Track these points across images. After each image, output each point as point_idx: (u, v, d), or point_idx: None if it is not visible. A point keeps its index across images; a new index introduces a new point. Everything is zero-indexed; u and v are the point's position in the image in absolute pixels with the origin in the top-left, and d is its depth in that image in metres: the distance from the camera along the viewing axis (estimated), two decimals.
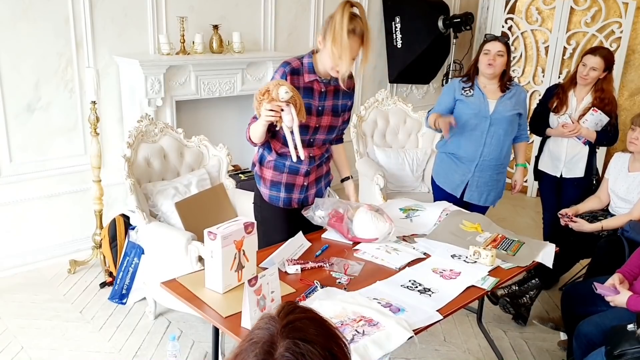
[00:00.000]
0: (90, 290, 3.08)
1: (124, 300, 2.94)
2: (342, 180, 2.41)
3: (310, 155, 2.17)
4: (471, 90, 2.85)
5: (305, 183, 2.21)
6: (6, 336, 2.62)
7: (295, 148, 2.00)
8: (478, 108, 2.81)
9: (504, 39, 2.86)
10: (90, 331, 2.70)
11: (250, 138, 2.09)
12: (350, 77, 2.18)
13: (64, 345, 2.57)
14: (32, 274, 3.21)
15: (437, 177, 3.03)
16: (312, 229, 2.22)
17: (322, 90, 2.10)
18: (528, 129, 3.12)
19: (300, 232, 2.16)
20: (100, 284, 3.11)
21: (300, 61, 2.07)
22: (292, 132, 1.98)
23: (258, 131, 2.02)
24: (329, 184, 2.37)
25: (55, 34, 3.15)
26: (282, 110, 1.91)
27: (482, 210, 2.88)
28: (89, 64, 3.28)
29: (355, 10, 1.97)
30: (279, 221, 2.24)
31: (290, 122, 1.94)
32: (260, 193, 2.23)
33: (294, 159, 2.03)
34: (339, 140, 2.38)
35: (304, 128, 2.06)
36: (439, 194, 2.98)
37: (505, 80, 2.85)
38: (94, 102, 3.10)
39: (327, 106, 2.13)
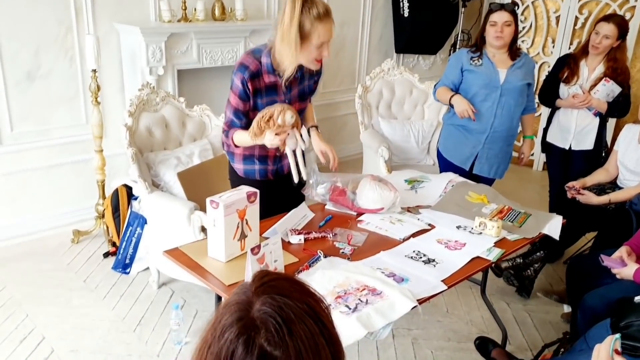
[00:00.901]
0: (94, 259, 3.09)
1: (127, 270, 2.95)
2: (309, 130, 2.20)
3: None
4: (480, 60, 2.77)
5: (277, 154, 2.15)
6: (11, 304, 2.63)
7: (298, 171, 1.99)
8: (488, 78, 2.73)
9: (511, 6, 2.76)
10: (94, 300, 2.72)
11: (232, 145, 2.04)
12: None
13: (68, 314, 2.59)
14: (36, 243, 3.21)
15: (444, 151, 2.96)
16: (291, 201, 2.16)
17: (286, 84, 2.00)
18: (536, 100, 3.04)
19: (304, 202, 2.14)
20: (104, 254, 3.11)
21: (259, 61, 1.94)
22: (294, 155, 1.98)
23: (247, 144, 2.00)
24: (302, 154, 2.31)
25: (55, 0, 3.07)
26: (287, 134, 1.91)
27: (488, 182, 2.84)
28: (89, 31, 3.21)
29: None
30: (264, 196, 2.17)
31: (294, 145, 1.96)
32: (234, 170, 2.18)
33: (295, 180, 2.00)
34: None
35: None
36: (446, 167, 2.92)
37: (514, 49, 2.77)
38: (94, 71, 3.04)
39: (293, 96, 2.05)
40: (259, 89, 1.96)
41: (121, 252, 2.95)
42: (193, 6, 3.45)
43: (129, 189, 3.13)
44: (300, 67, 1.98)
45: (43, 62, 3.14)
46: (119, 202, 3.12)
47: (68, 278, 2.89)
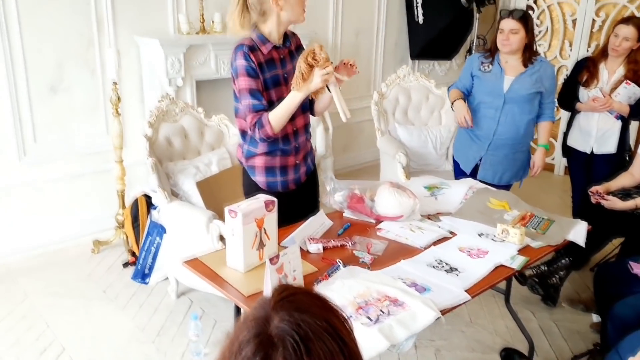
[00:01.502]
0: (114, 269, 3.11)
1: (147, 280, 2.96)
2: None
3: (294, 129, 2.10)
4: (490, 66, 2.78)
5: (297, 161, 2.15)
6: (32, 315, 2.66)
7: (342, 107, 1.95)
8: (493, 86, 2.74)
9: (519, 13, 2.71)
10: (113, 310, 2.73)
11: (271, 130, 1.96)
12: (293, 33, 2.12)
13: (88, 324, 2.61)
14: (57, 253, 3.25)
15: (455, 151, 3.05)
16: (307, 208, 2.15)
17: (281, 57, 2.03)
18: (556, 106, 3.00)
19: (322, 210, 2.12)
20: (123, 264, 3.13)
21: (250, 38, 1.97)
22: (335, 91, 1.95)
23: (292, 108, 1.95)
24: (314, 159, 2.31)
25: (77, 14, 3.14)
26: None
27: (503, 189, 2.80)
28: (110, 44, 3.26)
29: None
30: (283, 208, 2.13)
31: (333, 80, 1.92)
32: (255, 183, 2.13)
33: (343, 118, 1.96)
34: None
35: (280, 100, 1.98)
36: (457, 169, 3.00)
37: (528, 55, 2.72)
38: (115, 83, 3.09)
39: (289, 71, 2.04)
40: (260, 62, 1.95)
41: (140, 261, 2.97)
42: (210, 18, 3.49)
43: (148, 198, 3.15)
44: (288, 39, 2.03)
45: (65, 75, 3.20)
46: (139, 212, 3.14)
47: (88, 288, 2.91)
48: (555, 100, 2.90)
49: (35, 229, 3.27)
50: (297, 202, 2.13)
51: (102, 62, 3.27)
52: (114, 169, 3.28)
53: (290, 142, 2.10)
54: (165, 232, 2.85)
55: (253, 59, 1.93)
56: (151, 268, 2.96)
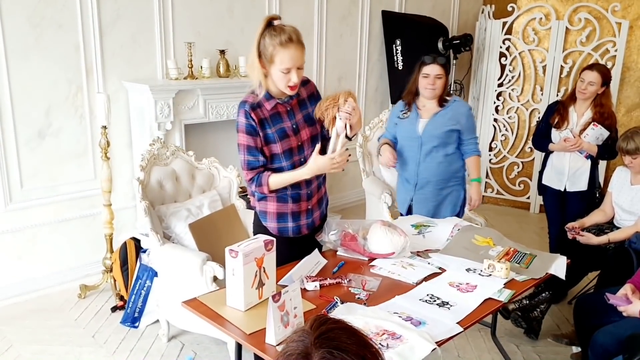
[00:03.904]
0: (102, 314, 3.08)
1: (137, 324, 2.94)
2: None
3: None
4: (408, 113, 2.91)
5: (309, 206, 2.17)
6: None
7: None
8: (409, 130, 2.89)
9: (442, 60, 2.86)
10: (103, 356, 2.70)
11: (268, 191, 2.04)
12: (307, 81, 2.14)
13: None
14: (42, 299, 3.21)
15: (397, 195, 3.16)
16: (304, 248, 2.17)
17: (288, 109, 2.05)
18: (530, 144, 3.17)
19: (317, 249, 2.19)
20: (112, 308, 3.11)
21: (256, 94, 2.00)
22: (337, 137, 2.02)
23: (297, 180, 2.04)
24: (327, 203, 2.34)
25: (66, 61, 3.22)
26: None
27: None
28: (99, 90, 3.34)
29: (277, 22, 1.93)
30: (289, 251, 2.14)
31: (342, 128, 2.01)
32: (265, 227, 2.15)
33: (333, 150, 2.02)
34: None
35: (288, 152, 2.04)
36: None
37: (443, 97, 2.87)
38: (104, 127, 3.15)
39: (299, 121, 2.08)
40: (263, 118, 1.99)
41: (130, 305, 2.96)
42: (199, 64, 3.62)
43: (137, 242, 3.17)
44: (298, 91, 2.03)
45: (54, 120, 3.24)
46: (127, 255, 3.15)
47: (76, 334, 2.87)
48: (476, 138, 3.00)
49: (19, 275, 3.23)
50: (307, 244, 2.17)
51: (91, 107, 3.33)
52: (101, 214, 3.29)
53: (301, 188, 2.11)
54: (156, 275, 2.86)
55: (254, 116, 1.97)
56: (141, 311, 2.94)
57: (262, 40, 1.92)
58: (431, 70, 2.80)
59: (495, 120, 5.19)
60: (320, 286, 1.96)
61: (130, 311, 2.95)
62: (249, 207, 3.15)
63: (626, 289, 2.23)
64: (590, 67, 3.26)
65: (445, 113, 2.85)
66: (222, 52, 3.70)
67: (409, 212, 2.99)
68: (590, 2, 4.69)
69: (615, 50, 4.63)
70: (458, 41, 4.91)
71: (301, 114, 2.10)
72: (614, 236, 2.87)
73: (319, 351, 0.74)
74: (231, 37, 3.86)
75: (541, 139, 3.43)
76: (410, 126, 2.89)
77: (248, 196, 2.24)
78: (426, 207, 2.93)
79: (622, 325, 2.11)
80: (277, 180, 2.03)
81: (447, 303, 1.87)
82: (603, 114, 3.23)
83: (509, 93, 5.09)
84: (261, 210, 2.17)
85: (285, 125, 2.05)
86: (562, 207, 3.43)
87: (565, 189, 3.37)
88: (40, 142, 3.22)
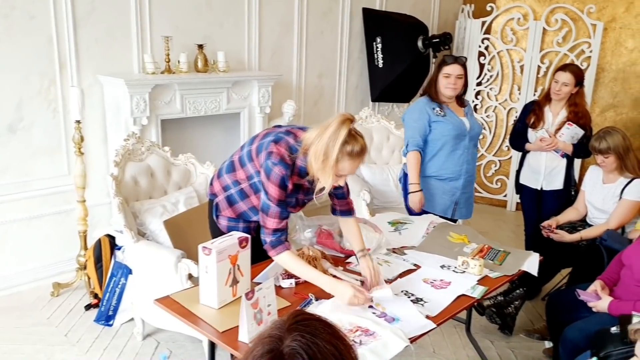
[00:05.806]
0: (75, 312, 3.02)
1: (111, 322, 2.89)
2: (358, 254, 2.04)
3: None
4: (440, 110, 2.85)
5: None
6: None
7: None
8: (458, 128, 2.84)
9: (462, 60, 2.88)
10: (76, 355, 2.65)
11: (271, 254, 1.94)
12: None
13: None
14: (13, 297, 3.13)
15: (427, 204, 2.88)
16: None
17: (307, 187, 2.00)
18: (507, 144, 3.22)
19: (292, 247, 2.18)
20: (85, 306, 3.05)
21: (294, 162, 1.91)
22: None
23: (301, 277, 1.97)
24: None
25: (38, 53, 3.14)
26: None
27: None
28: (73, 84, 3.27)
29: (354, 125, 1.85)
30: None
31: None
32: (216, 225, 2.13)
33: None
34: (346, 212, 2.13)
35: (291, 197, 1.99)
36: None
37: (461, 96, 2.92)
38: (78, 122, 3.08)
39: (305, 198, 2.06)
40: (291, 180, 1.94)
41: (104, 303, 2.91)
42: (176, 58, 3.57)
43: (111, 239, 3.12)
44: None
45: (25, 114, 3.16)
46: (102, 253, 3.09)
47: (49, 332, 2.82)
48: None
49: None
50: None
51: (65, 101, 3.26)
52: (74, 210, 3.23)
53: (252, 222, 2.11)
54: (130, 273, 2.82)
55: (288, 181, 1.91)
56: (116, 309, 2.90)
57: (341, 147, 1.80)
58: (453, 70, 2.81)
59: None
60: (296, 283, 1.95)
61: (105, 309, 2.91)
62: None
63: (596, 285, 2.28)
64: (564, 68, 3.30)
65: (468, 110, 2.95)
66: (201, 46, 3.66)
67: (453, 216, 2.89)
68: (566, 3, 4.77)
69: (591, 52, 4.71)
70: (438, 40, 4.94)
71: (305, 197, 2.06)
72: (586, 234, 2.93)
73: (292, 334, 0.78)
74: (210, 31, 3.82)
75: (518, 138, 3.48)
76: (458, 124, 2.84)
77: (215, 191, 2.15)
78: (467, 208, 2.94)
79: (591, 320, 2.15)
80: (288, 262, 1.92)
81: (421, 299, 1.88)
82: (577, 114, 3.28)
83: (487, 92, 5.15)
84: (217, 204, 2.12)
85: (299, 197, 2.02)
86: (539, 206, 3.48)
87: (541, 188, 3.42)
88: (11, 137, 3.14)
